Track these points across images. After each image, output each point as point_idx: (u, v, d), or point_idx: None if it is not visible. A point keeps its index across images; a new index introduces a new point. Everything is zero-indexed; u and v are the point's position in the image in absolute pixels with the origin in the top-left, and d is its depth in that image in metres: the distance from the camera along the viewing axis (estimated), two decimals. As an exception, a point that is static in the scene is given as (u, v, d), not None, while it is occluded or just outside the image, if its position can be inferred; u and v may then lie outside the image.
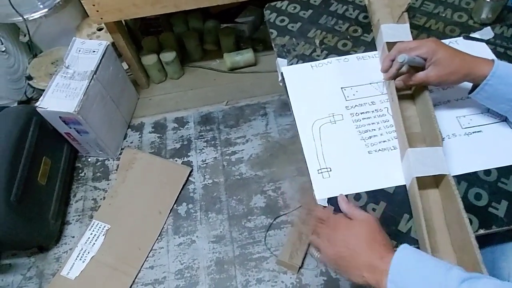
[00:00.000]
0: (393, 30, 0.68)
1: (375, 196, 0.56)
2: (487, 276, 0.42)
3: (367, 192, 0.57)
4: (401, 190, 0.56)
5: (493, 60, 0.55)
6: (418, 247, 0.51)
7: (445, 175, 0.52)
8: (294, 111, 0.66)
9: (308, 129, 0.64)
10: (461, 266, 0.42)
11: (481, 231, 0.52)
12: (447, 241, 0.51)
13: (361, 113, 0.65)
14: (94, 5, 1.09)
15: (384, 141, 0.61)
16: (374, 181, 0.57)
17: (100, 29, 1.41)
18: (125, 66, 1.38)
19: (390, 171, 0.58)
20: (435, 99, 0.65)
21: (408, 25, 0.69)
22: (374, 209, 0.55)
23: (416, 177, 0.52)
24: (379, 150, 0.60)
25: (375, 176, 0.58)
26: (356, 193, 0.57)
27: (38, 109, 1.06)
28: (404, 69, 0.61)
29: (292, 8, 0.82)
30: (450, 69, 0.56)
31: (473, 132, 0.60)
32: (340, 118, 0.64)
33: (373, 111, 0.65)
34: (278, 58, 0.73)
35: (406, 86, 0.63)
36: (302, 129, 0.64)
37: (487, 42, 0.71)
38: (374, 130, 0.63)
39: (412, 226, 0.53)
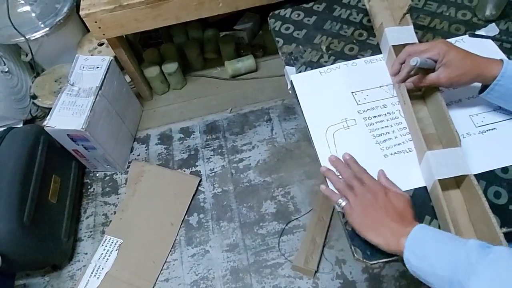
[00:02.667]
0: (398, 33, 0.68)
1: (394, 199, 0.56)
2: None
3: (386, 196, 0.57)
4: (421, 192, 0.57)
5: (502, 60, 0.56)
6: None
7: (467, 175, 0.52)
8: (306, 118, 0.66)
9: (322, 136, 0.64)
10: None
11: (504, 230, 0.52)
12: (474, 238, 0.52)
13: (373, 117, 0.65)
14: (96, 22, 1.09)
15: (399, 144, 0.61)
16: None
17: (101, 44, 1.42)
18: (127, 79, 1.39)
19: (407, 173, 0.58)
20: (446, 98, 0.65)
21: (411, 27, 0.70)
22: (395, 213, 0.55)
23: (438, 180, 0.52)
24: (395, 153, 0.61)
25: (392, 179, 0.58)
26: (375, 198, 0.57)
27: (46, 128, 1.06)
28: (413, 71, 0.62)
29: (296, 16, 0.82)
30: (461, 71, 0.57)
31: (487, 130, 0.60)
32: (353, 123, 0.65)
33: (385, 114, 0.65)
34: (286, 66, 0.74)
35: (416, 88, 0.64)
36: (316, 136, 0.64)
37: (493, 38, 0.71)
38: (388, 133, 0.63)
39: (435, 228, 0.53)
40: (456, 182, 0.56)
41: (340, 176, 0.58)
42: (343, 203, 0.54)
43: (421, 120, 0.63)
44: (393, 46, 0.67)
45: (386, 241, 0.49)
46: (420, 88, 0.66)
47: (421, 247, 0.46)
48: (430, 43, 0.60)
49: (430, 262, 0.44)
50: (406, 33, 0.68)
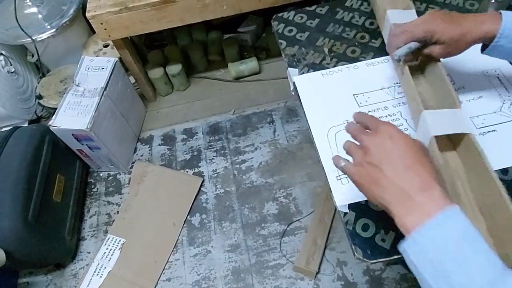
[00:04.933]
0: (399, 14, 0.67)
1: (395, 200, 0.57)
2: None
3: (386, 196, 0.57)
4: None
5: (500, 14, 0.51)
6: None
7: (466, 134, 0.50)
8: (308, 119, 0.67)
9: (323, 137, 0.65)
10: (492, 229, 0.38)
11: (503, 230, 0.52)
12: (473, 205, 0.49)
13: (375, 118, 0.65)
14: (102, 24, 1.11)
15: (400, 145, 0.62)
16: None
17: (106, 46, 1.43)
18: (132, 80, 1.40)
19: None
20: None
21: (414, 10, 0.69)
22: (395, 213, 0.56)
23: (435, 137, 0.50)
24: (396, 154, 0.61)
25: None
26: (376, 198, 0.57)
27: (51, 128, 1.07)
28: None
29: (299, 18, 0.83)
30: (453, 45, 0.55)
31: (488, 132, 0.61)
32: (355, 124, 0.65)
33: (386, 116, 0.66)
34: (289, 68, 0.74)
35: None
36: (317, 136, 0.65)
37: (494, 42, 0.72)
38: (389, 134, 0.63)
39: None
40: (453, 145, 0.54)
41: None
42: (342, 163, 0.45)
43: (420, 93, 0.61)
44: (394, 24, 0.66)
45: (385, 207, 0.39)
46: (417, 58, 0.65)
47: (439, 250, 0.34)
48: (413, 24, 0.57)
49: (442, 269, 0.33)
50: (408, 15, 0.68)
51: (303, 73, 0.74)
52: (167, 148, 1.38)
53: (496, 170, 0.57)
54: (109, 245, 1.14)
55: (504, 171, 0.57)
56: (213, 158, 1.33)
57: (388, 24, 0.68)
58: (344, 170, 0.45)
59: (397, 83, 0.70)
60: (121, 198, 1.28)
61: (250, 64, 1.49)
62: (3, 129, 1.35)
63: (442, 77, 0.58)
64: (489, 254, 0.34)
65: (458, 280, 0.32)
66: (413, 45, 0.57)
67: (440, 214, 0.35)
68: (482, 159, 0.47)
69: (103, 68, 1.19)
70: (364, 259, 0.52)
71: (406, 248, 0.37)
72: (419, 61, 0.66)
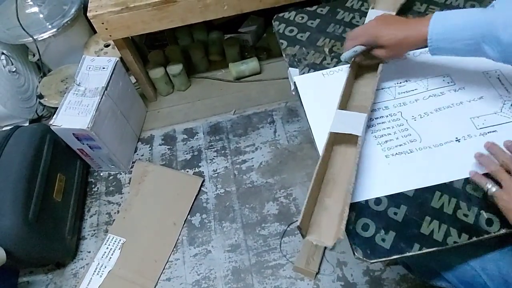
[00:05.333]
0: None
1: (395, 200, 0.57)
2: None
3: (386, 196, 0.58)
4: (421, 193, 0.57)
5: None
6: (438, 249, 0.52)
7: (358, 136, 0.58)
8: (309, 119, 0.67)
9: (324, 136, 0.65)
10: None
11: (503, 231, 0.52)
12: (342, 192, 0.57)
13: (375, 118, 0.66)
14: (103, 23, 1.11)
15: (400, 145, 0.62)
16: (393, 185, 0.58)
17: (107, 45, 1.44)
18: (132, 80, 1.40)
19: (408, 174, 0.59)
20: (447, 101, 0.66)
21: (394, 12, 0.74)
22: (395, 213, 0.56)
23: (333, 133, 0.60)
24: (396, 154, 0.61)
25: (393, 180, 0.59)
26: (376, 198, 0.58)
27: (52, 127, 1.08)
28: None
29: (300, 18, 0.84)
30: (395, 49, 0.60)
31: (488, 132, 0.61)
32: (355, 124, 0.66)
33: (387, 116, 0.66)
34: (290, 68, 0.75)
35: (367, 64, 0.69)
36: (318, 136, 0.65)
37: (495, 43, 0.72)
38: (390, 134, 0.64)
39: (435, 228, 0.54)
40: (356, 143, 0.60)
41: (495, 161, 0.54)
42: (493, 188, 0.51)
43: (364, 94, 0.68)
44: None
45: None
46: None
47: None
48: (363, 28, 0.64)
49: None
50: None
51: (303, 73, 0.74)
52: (168, 148, 1.38)
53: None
54: (109, 245, 1.14)
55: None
56: (213, 158, 1.33)
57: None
58: (494, 195, 0.51)
59: (397, 82, 0.70)
60: (121, 197, 1.28)
61: (251, 64, 1.49)
62: (4, 128, 1.36)
63: (372, 83, 0.66)
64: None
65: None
66: (359, 48, 0.63)
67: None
68: (356, 158, 0.57)
69: (104, 68, 1.19)
70: (364, 258, 0.52)
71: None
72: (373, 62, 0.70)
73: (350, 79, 0.68)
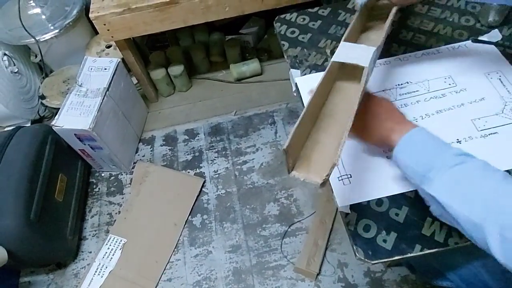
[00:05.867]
0: None
1: (396, 200, 0.57)
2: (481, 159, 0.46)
3: (388, 197, 0.58)
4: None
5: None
6: (439, 250, 0.52)
7: (364, 67, 0.53)
8: (310, 120, 0.67)
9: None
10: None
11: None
12: (339, 127, 0.52)
13: (376, 120, 0.66)
14: (105, 25, 1.11)
15: (401, 146, 0.62)
16: (395, 186, 0.58)
17: (108, 46, 1.44)
18: (134, 81, 1.41)
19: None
20: (448, 103, 0.66)
21: None
22: (397, 214, 0.56)
23: (334, 62, 0.55)
24: (397, 155, 0.61)
25: (395, 180, 0.59)
26: (378, 199, 0.58)
27: (54, 128, 1.08)
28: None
29: (302, 20, 0.84)
30: None
31: (489, 134, 0.61)
32: (356, 125, 0.66)
33: (388, 117, 0.66)
34: (291, 69, 0.75)
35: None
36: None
37: (496, 44, 0.72)
38: (391, 135, 0.64)
39: (436, 229, 0.54)
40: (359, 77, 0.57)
41: None
42: None
43: (369, 39, 0.66)
44: None
45: (381, 137, 0.52)
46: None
47: (412, 147, 0.49)
48: None
49: (414, 161, 0.48)
50: None
51: (305, 74, 0.74)
52: (169, 149, 1.39)
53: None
54: (110, 245, 1.15)
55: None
56: (214, 159, 1.33)
57: None
58: None
59: (399, 84, 0.71)
60: (122, 198, 1.28)
61: (252, 65, 1.50)
62: (6, 129, 1.36)
63: (385, 25, 0.62)
64: (443, 142, 0.49)
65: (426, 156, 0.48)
66: None
67: (414, 129, 0.50)
68: (360, 90, 0.51)
69: (105, 69, 1.20)
70: (366, 259, 0.53)
71: (397, 152, 0.50)
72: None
73: (359, 19, 0.64)
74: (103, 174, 1.34)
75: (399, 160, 0.50)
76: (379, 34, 0.63)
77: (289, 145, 0.43)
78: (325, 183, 0.45)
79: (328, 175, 0.44)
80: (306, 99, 0.70)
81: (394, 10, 0.65)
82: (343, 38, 0.60)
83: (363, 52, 0.55)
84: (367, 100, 0.56)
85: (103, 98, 1.13)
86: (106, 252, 1.13)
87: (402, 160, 0.50)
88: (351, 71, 0.57)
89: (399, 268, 1.03)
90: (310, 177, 0.45)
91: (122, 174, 1.34)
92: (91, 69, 1.20)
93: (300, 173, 0.46)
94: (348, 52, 0.56)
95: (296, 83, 0.73)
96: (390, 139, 0.51)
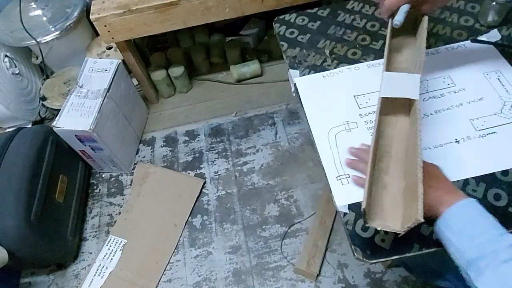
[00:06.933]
0: None
1: (395, 200, 0.57)
2: None
3: (386, 197, 0.58)
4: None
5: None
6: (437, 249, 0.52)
7: (415, 100, 0.51)
8: (309, 120, 0.68)
9: (324, 138, 0.65)
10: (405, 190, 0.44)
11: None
12: (401, 167, 0.51)
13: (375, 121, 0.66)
14: (105, 26, 1.12)
15: (400, 146, 0.62)
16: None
17: (109, 48, 1.44)
18: (134, 82, 1.41)
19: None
20: (447, 103, 0.66)
21: None
22: (395, 214, 0.56)
23: (383, 98, 0.52)
24: (396, 155, 0.61)
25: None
26: (376, 199, 0.58)
27: (54, 129, 1.08)
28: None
29: (301, 20, 0.84)
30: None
31: (488, 134, 0.61)
32: (355, 126, 0.66)
33: (387, 117, 0.66)
34: (290, 70, 0.75)
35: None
36: (318, 137, 0.65)
37: (495, 44, 0.72)
38: (389, 135, 0.64)
39: (435, 229, 0.54)
40: (409, 109, 0.55)
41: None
42: None
43: (402, 53, 0.63)
44: None
45: (429, 208, 0.47)
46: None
47: (459, 222, 0.45)
48: None
49: (460, 239, 0.44)
50: None
51: (304, 74, 0.75)
52: (169, 150, 1.39)
53: (496, 172, 0.57)
54: (110, 246, 1.15)
55: (505, 173, 0.57)
56: (214, 160, 1.34)
57: None
58: None
59: (397, 84, 0.70)
60: (123, 199, 1.28)
61: (252, 66, 1.50)
62: (7, 130, 1.37)
63: (421, 39, 0.59)
64: (493, 222, 0.45)
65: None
66: (407, 7, 0.59)
67: (462, 201, 0.47)
68: (417, 124, 0.49)
69: (106, 70, 1.20)
70: (364, 259, 0.53)
71: (440, 225, 0.47)
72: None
73: (390, 40, 0.61)
74: (103, 175, 1.35)
75: (441, 232, 0.47)
76: (414, 52, 0.60)
77: (367, 204, 0.44)
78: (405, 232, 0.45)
79: (410, 227, 0.44)
80: (306, 99, 0.70)
81: (425, 20, 0.61)
82: (383, 67, 0.56)
83: (409, 80, 0.52)
84: None
85: (104, 99, 1.14)
86: (107, 253, 1.13)
87: (446, 234, 0.46)
88: (394, 102, 0.54)
89: (400, 269, 1.03)
90: (388, 225, 0.45)
91: (122, 175, 1.34)
92: (92, 70, 1.21)
93: (377, 223, 0.46)
94: (393, 84, 0.53)
95: (295, 84, 0.73)
96: (439, 210, 0.48)
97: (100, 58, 1.37)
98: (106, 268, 1.11)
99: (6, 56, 1.36)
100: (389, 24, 0.62)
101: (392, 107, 0.56)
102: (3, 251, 0.92)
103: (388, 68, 0.58)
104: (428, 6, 0.61)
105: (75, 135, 1.11)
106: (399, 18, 0.58)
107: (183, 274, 1.11)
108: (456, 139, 0.61)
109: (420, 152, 0.47)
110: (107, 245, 1.15)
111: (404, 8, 0.59)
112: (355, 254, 0.53)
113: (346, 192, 0.59)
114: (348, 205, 0.57)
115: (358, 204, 0.57)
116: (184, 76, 1.47)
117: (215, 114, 1.46)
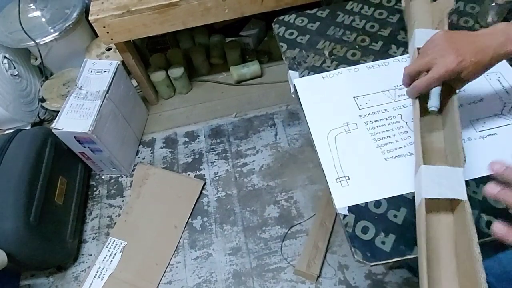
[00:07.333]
0: (428, 35, 0.60)
1: (395, 202, 0.57)
2: None
3: (386, 199, 0.57)
4: (421, 196, 0.57)
5: None
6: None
7: (462, 200, 0.46)
8: (308, 121, 0.67)
9: (323, 139, 0.65)
10: None
11: (504, 234, 0.52)
12: (454, 273, 0.45)
13: (375, 121, 0.66)
14: (104, 27, 1.12)
15: (400, 148, 0.62)
16: (393, 188, 0.58)
17: (108, 49, 1.44)
18: (134, 83, 1.41)
19: (408, 177, 0.59)
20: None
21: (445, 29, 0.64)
22: (395, 216, 0.56)
23: (426, 199, 0.46)
24: (396, 156, 0.61)
25: (393, 182, 0.58)
26: (376, 200, 0.57)
27: (53, 130, 1.08)
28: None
29: (300, 21, 0.84)
30: (476, 74, 0.53)
31: (488, 135, 0.61)
32: (355, 127, 0.65)
33: (386, 119, 0.66)
34: (289, 71, 0.75)
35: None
36: (317, 139, 0.65)
37: (495, 45, 0.72)
38: (389, 137, 0.63)
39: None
40: (451, 205, 0.51)
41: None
42: None
43: (431, 134, 0.58)
44: (418, 48, 0.62)
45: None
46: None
47: None
48: (441, 63, 0.52)
49: None
50: None
51: (303, 75, 0.74)
52: (169, 151, 1.39)
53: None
54: (110, 248, 1.14)
55: (505, 174, 0.57)
56: (214, 161, 1.33)
57: (413, 46, 0.63)
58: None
59: (397, 85, 0.70)
60: (122, 200, 1.28)
61: (252, 67, 1.50)
62: (6, 132, 1.36)
63: (454, 123, 0.53)
64: None
65: None
66: (439, 89, 0.55)
67: None
68: (470, 234, 0.43)
69: (105, 71, 1.20)
70: (364, 261, 0.52)
71: None
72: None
73: (418, 123, 0.54)
74: (103, 177, 1.35)
75: None
76: (449, 133, 0.53)
77: None
78: None
79: None
80: (305, 100, 0.70)
81: (455, 99, 0.55)
82: (421, 160, 0.50)
83: (452, 176, 0.46)
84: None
85: (103, 101, 1.13)
86: (106, 255, 1.13)
87: None
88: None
89: (401, 270, 1.03)
90: None
91: (122, 177, 1.34)
92: (91, 71, 1.20)
93: None
94: (436, 180, 0.46)
95: (294, 85, 0.73)
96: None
97: (99, 59, 1.37)
98: (106, 270, 1.10)
99: (5, 57, 1.36)
100: (416, 107, 0.56)
101: (435, 203, 0.48)
102: (2, 253, 0.92)
103: (426, 159, 0.50)
104: (459, 84, 0.55)
105: (74, 137, 1.11)
106: (435, 104, 0.53)
107: (183, 276, 1.10)
108: (456, 141, 0.61)
109: (476, 253, 0.41)
110: (107, 247, 1.15)
111: (437, 91, 0.54)
112: (355, 256, 0.53)
113: (345, 194, 0.58)
114: (348, 207, 0.57)
115: (358, 206, 0.57)
116: (183, 77, 1.47)
117: (215, 115, 1.46)
